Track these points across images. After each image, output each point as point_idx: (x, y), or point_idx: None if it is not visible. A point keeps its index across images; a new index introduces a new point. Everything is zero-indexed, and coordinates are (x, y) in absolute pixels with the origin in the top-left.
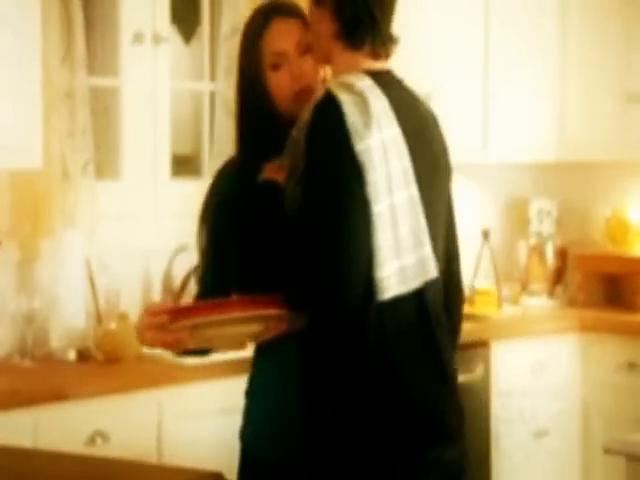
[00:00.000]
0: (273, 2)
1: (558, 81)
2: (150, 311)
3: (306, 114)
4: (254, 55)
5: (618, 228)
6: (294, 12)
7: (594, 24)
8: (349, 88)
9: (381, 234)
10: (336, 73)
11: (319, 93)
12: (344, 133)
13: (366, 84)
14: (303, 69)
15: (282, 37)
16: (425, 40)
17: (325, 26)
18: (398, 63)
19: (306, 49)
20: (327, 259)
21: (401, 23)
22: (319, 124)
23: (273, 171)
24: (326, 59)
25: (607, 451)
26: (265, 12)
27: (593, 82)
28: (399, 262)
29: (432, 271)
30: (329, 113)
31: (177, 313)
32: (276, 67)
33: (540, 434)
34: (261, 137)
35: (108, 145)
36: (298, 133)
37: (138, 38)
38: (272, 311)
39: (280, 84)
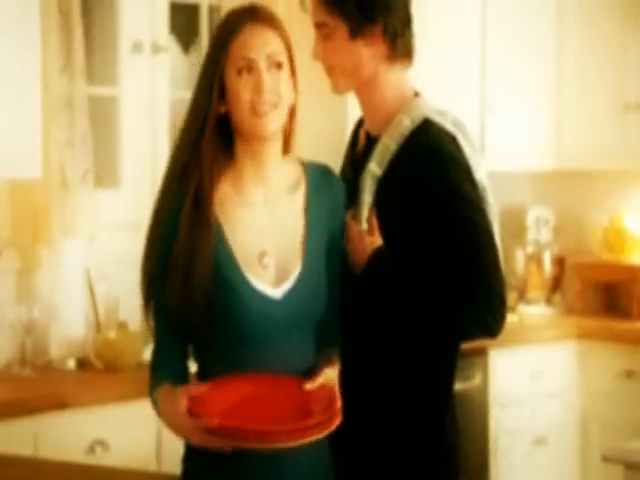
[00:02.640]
0: (251, 6)
1: (555, 90)
2: (191, 406)
3: (391, 144)
4: (221, 56)
5: (615, 236)
6: (272, 21)
7: (591, 33)
8: (443, 115)
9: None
10: (385, 95)
11: (289, 114)
12: (467, 161)
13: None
14: (268, 83)
15: (254, 44)
16: (422, 50)
17: (374, 47)
18: None
19: (276, 64)
20: (486, 280)
21: None
22: (444, 155)
23: (359, 238)
24: (367, 82)
25: (605, 459)
26: (240, 15)
27: (590, 91)
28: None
29: None
30: (448, 143)
31: (221, 431)
32: (240, 72)
33: (538, 441)
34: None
35: (107, 154)
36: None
37: (137, 47)
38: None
39: (240, 90)
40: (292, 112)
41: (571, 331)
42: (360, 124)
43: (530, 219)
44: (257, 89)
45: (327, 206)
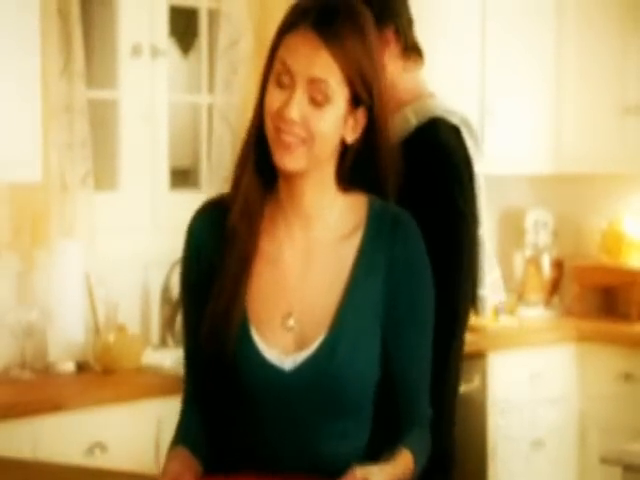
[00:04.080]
0: (319, 3)
1: (555, 93)
2: None
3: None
4: (267, 60)
5: (613, 240)
6: (336, 38)
7: (591, 37)
8: (450, 113)
9: (481, 254)
10: (401, 97)
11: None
12: (467, 152)
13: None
14: (297, 110)
15: (298, 53)
16: None
17: (389, 49)
18: None
19: (317, 97)
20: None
21: None
22: (444, 147)
23: None
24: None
25: (604, 461)
26: (301, 11)
27: (590, 95)
28: (488, 283)
29: (502, 293)
30: (450, 135)
31: None
32: (279, 82)
33: (537, 444)
34: (260, 166)
35: (107, 157)
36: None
37: (136, 51)
38: None
39: (268, 101)
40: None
41: (570, 334)
42: None
43: (529, 222)
44: (282, 109)
45: (388, 265)
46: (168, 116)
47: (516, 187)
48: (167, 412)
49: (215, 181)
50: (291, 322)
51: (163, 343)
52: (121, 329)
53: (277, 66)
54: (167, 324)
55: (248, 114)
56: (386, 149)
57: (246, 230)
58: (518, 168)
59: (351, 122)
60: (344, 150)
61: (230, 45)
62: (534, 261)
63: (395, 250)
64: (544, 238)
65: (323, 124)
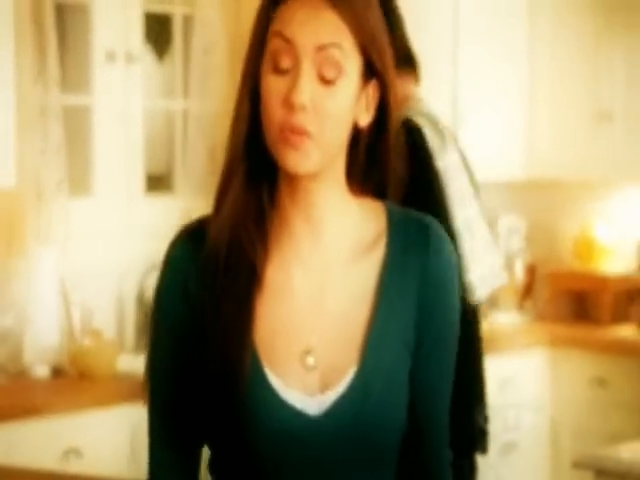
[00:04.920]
0: None
1: (527, 99)
2: None
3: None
4: (257, 46)
5: (585, 245)
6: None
7: (564, 42)
8: (423, 114)
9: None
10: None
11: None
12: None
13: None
14: (307, 92)
15: (301, 21)
16: None
17: None
18: None
19: (328, 73)
20: None
21: None
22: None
23: None
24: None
25: (575, 465)
26: None
27: (563, 100)
28: (480, 268)
29: (502, 276)
30: (411, 133)
31: None
32: (278, 69)
33: (509, 449)
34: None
35: (81, 163)
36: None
37: (110, 57)
38: None
39: (269, 92)
40: (365, 135)
41: (542, 339)
42: None
43: (502, 228)
44: (288, 97)
45: (418, 280)
46: (143, 122)
47: (489, 193)
48: (142, 418)
49: (190, 186)
50: (311, 360)
51: (138, 348)
52: (96, 334)
53: (271, 46)
54: (142, 329)
55: (223, 119)
56: (394, 136)
57: (242, 256)
58: (490, 174)
59: (364, 100)
60: (354, 139)
61: (205, 51)
62: (507, 267)
63: (429, 265)
64: (517, 244)
65: (336, 105)
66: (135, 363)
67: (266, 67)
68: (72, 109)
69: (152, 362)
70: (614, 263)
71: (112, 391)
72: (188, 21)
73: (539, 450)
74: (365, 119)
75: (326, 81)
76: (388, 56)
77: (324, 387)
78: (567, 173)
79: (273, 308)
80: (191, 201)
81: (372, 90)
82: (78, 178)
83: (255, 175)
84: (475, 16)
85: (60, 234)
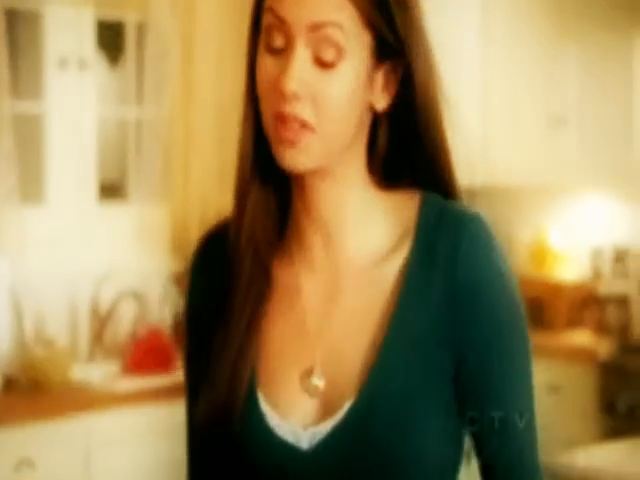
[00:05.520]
0: None
1: (481, 105)
2: None
3: None
4: (253, 22)
5: (539, 251)
6: None
7: (516, 47)
8: None
9: None
10: None
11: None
12: None
13: None
14: (298, 79)
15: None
16: None
17: None
18: None
19: (325, 55)
20: None
21: None
22: None
23: None
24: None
25: None
26: None
27: (516, 106)
28: None
29: None
30: None
31: None
32: (271, 48)
33: (464, 455)
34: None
35: (33, 171)
36: None
37: (63, 63)
38: None
39: (260, 80)
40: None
41: None
42: None
43: None
44: (279, 85)
45: (449, 295)
46: (96, 129)
47: None
48: (97, 428)
49: (144, 194)
50: (314, 380)
51: (92, 357)
52: (49, 343)
53: (265, 21)
54: (96, 338)
55: (177, 125)
56: (435, 120)
57: (254, 261)
58: None
59: (380, 80)
60: (375, 123)
61: (158, 58)
62: None
63: (458, 273)
64: None
65: (338, 92)
66: (89, 372)
67: (261, 45)
68: (24, 116)
69: (185, 383)
70: (568, 269)
71: (66, 401)
72: (141, 27)
73: None
74: (382, 102)
75: (324, 64)
76: (409, 28)
77: (325, 414)
78: (521, 179)
79: (279, 321)
80: (145, 209)
81: (388, 69)
82: (30, 186)
83: (270, 173)
84: (429, 19)
85: (12, 242)
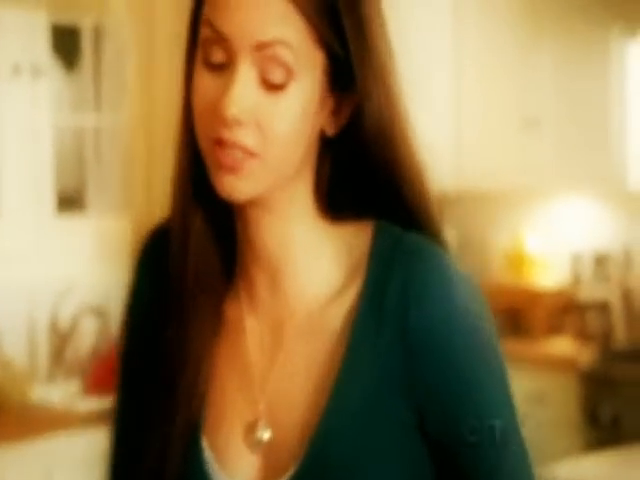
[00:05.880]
0: None
1: (454, 108)
2: None
3: None
4: (189, 34)
5: (516, 258)
6: None
7: (489, 50)
8: None
9: None
10: None
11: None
12: None
13: None
14: (241, 101)
15: (235, 3)
16: None
17: None
18: None
19: (274, 77)
20: None
21: None
22: None
23: None
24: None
25: None
26: None
27: (490, 109)
28: None
29: None
30: None
31: None
32: (209, 63)
33: None
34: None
35: None
36: None
37: (16, 71)
38: None
39: (196, 98)
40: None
41: None
42: None
43: None
44: (217, 104)
45: (402, 339)
46: (52, 138)
47: None
48: (58, 449)
49: (103, 205)
50: (258, 434)
51: (52, 377)
52: (7, 364)
53: (202, 35)
54: (56, 356)
55: (137, 133)
56: (392, 145)
57: (203, 299)
58: None
59: (330, 103)
60: (325, 148)
61: (116, 63)
62: None
63: (410, 315)
64: None
65: (285, 117)
66: (49, 392)
67: (198, 59)
68: None
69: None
70: (547, 275)
71: (26, 422)
72: (98, 32)
73: None
74: (334, 128)
75: (271, 86)
76: (370, 37)
77: (271, 475)
78: (496, 183)
79: (224, 367)
80: (105, 220)
81: (341, 92)
82: None
83: (213, 202)
84: (399, 22)
85: None
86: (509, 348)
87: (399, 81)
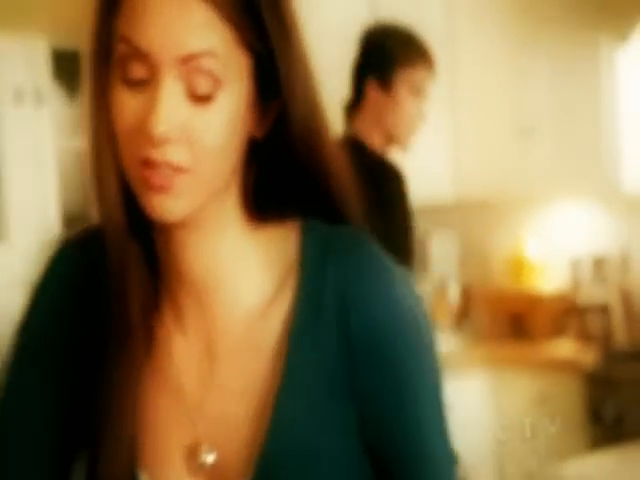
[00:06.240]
0: None
1: (451, 117)
2: None
3: None
4: (100, 51)
5: (517, 264)
6: None
7: (485, 61)
8: None
9: None
10: (372, 117)
11: None
12: None
13: None
14: (170, 117)
15: (154, 16)
16: None
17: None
18: None
19: (203, 89)
20: None
21: None
22: None
23: None
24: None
25: None
26: None
27: (486, 117)
28: None
29: None
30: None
31: None
32: (129, 80)
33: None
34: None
35: None
36: None
37: (18, 97)
38: None
39: (118, 119)
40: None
41: (481, 360)
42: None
43: (434, 249)
44: (143, 123)
45: (343, 344)
46: (56, 162)
47: (418, 215)
48: None
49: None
50: (202, 457)
51: None
52: None
53: (119, 52)
54: None
55: None
56: (328, 142)
57: (138, 324)
58: (418, 195)
59: (258, 107)
60: (251, 151)
61: None
62: (440, 290)
63: (351, 320)
64: (450, 265)
65: (216, 128)
66: None
67: (115, 77)
68: None
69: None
70: (547, 280)
71: None
72: None
73: (482, 469)
74: (260, 131)
75: (199, 98)
76: (290, 44)
77: None
78: (494, 191)
79: (159, 388)
80: None
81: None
82: None
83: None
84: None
85: None
86: (512, 352)
87: (317, 79)
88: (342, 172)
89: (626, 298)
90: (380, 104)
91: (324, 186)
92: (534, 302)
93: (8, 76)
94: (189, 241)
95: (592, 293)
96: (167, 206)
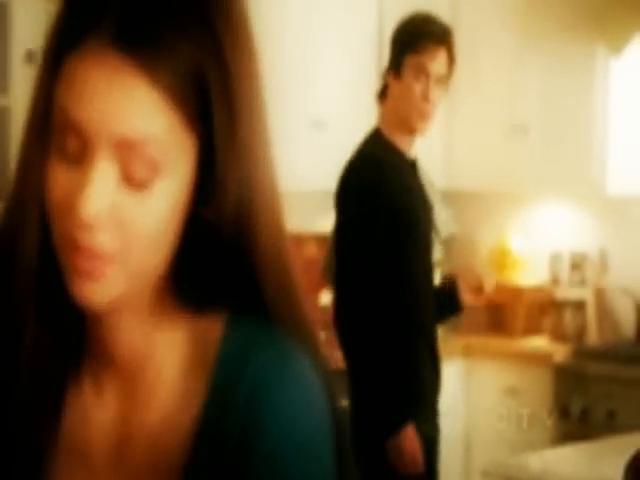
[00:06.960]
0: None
1: (445, 112)
2: None
3: None
4: (35, 100)
5: (500, 256)
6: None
7: (481, 56)
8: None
9: None
10: (391, 107)
11: None
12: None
13: None
14: (98, 203)
15: (92, 92)
16: (307, 72)
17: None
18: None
19: (140, 173)
20: None
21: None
22: None
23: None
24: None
25: (484, 474)
26: (94, 10)
27: (479, 113)
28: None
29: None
30: None
31: None
32: (64, 151)
33: None
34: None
35: (0, 165)
36: None
37: (30, 57)
38: None
39: (50, 193)
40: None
41: (456, 349)
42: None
43: None
44: (73, 203)
45: (237, 449)
46: None
47: None
48: None
49: None
50: None
51: None
52: None
53: (56, 120)
54: None
55: None
56: (265, 233)
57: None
58: None
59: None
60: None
61: None
62: None
63: (252, 437)
64: (436, 254)
65: (150, 217)
66: None
67: (52, 142)
68: None
69: None
70: (528, 274)
71: None
72: None
73: (451, 459)
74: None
75: (134, 183)
76: (236, 130)
77: None
78: (484, 185)
79: (65, 456)
80: None
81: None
82: None
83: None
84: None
85: None
86: (489, 343)
87: (269, 159)
88: (280, 268)
89: (601, 297)
90: (395, 92)
91: (253, 279)
92: (514, 294)
93: (21, 37)
94: (115, 322)
95: (569, 290)
96: (94, 293)
